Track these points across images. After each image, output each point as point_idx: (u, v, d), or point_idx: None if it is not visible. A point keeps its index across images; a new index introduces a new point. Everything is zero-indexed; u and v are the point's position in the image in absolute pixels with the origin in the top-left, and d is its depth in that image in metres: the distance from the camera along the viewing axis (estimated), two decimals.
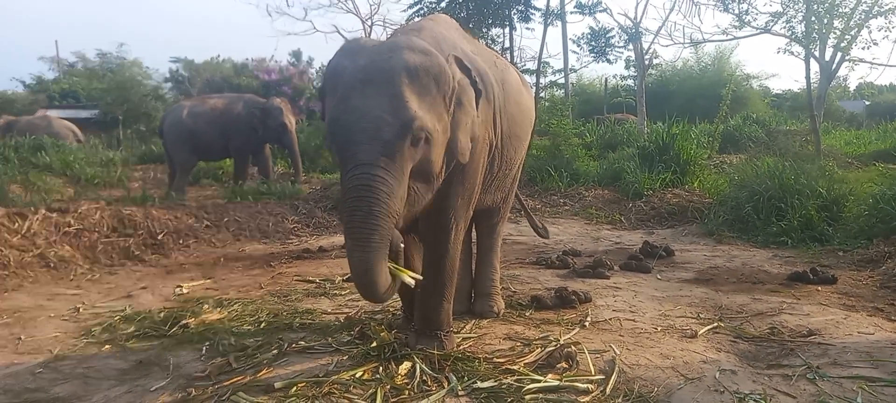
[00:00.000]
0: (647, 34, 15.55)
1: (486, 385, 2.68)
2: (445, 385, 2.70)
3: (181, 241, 6.27)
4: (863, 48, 11.52)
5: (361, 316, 3.82)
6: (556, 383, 2.71)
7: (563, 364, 2.91)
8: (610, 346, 3.20)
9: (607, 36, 17.77)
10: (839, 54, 11.37)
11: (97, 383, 2.87)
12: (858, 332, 3.44)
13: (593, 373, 2.84)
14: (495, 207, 3.86)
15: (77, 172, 10.71)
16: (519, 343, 3.26)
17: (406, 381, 2.73)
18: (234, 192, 8.83)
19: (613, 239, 6.75)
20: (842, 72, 13.48)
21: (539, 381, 2.71)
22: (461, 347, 3.20)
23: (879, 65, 14.23)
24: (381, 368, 2.86)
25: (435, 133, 2.54)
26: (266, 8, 31.17)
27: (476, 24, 16.43)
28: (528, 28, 20.01)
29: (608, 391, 2.66)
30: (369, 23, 17.99)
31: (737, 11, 12.32)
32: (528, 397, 2.59)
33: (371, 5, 21.39)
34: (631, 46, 16.33)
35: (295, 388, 2.67)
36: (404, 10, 17.66)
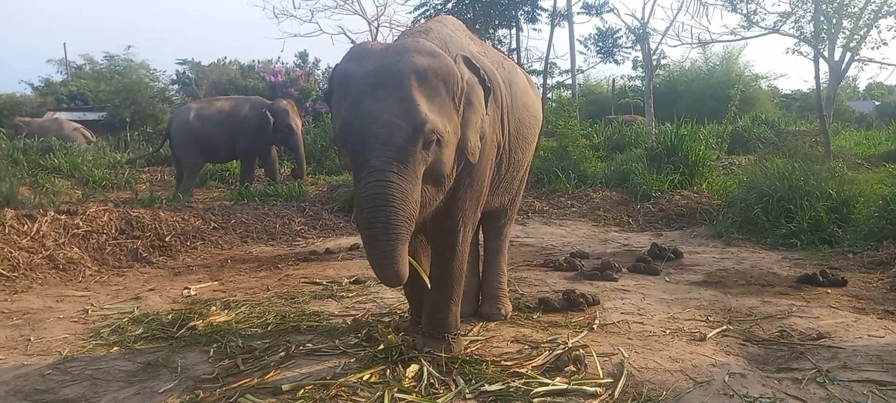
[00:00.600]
0: (654, 34, 15.52)
1: (493, 388, 2.67)
2: (453, 387, 2.69)
3: (188, 243, 6.28)
4: (872, 48, 11.49)
5: (368, 318, 3.82)
6: (565, 386, 2.69)
7: (572, 368, 2.90)
8: (618, 349, 3.18)
9: (614, 36, 17.70)
10: (848, 54, 11.32)
11: (106, 384, 2.88)
12: (869, 335, 3.41)
13: (602, 377, 2.82)
14: (503, 209, 3.85)
15: (85, 174, 10.77)
16: (527, 346, 3.25)
17: (413, 384, 2.72)
18: (241, 194, 8.86)
19: (621, 241, 6.73)
20: (851, 72, 13.47)
21: (547, 384, 2.70)
22: (469, 350, 3.19)
23: (889, 65, 14.27)
24: (388, 371, 2.85)
25: (446, 134, 2.54)
26: (272, 10, 31.31)
27: (482, 25, 16.39)
28: (534, 29, 20.19)
29: (617, 394, 2.65)
30: (376, 24, 17.98)
31: (745, 11, 12.28)
32: (536, 400, 2.58)
33: (377, 7, 21.48)
34: (638, 47, 16.27)
35: (302, 391, 2.67)
36: (410, 12, 17.67)
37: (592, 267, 5.12)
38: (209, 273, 5.36)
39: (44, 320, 3.93)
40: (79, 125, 15.29)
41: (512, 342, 3.35)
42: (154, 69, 22.40)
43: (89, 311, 4.12)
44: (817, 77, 11.55)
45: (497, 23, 17.10)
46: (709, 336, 3.40)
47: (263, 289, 4.71)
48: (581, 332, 3.48)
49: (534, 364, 2.94)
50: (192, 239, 6.36)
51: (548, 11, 17.05)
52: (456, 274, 3.07)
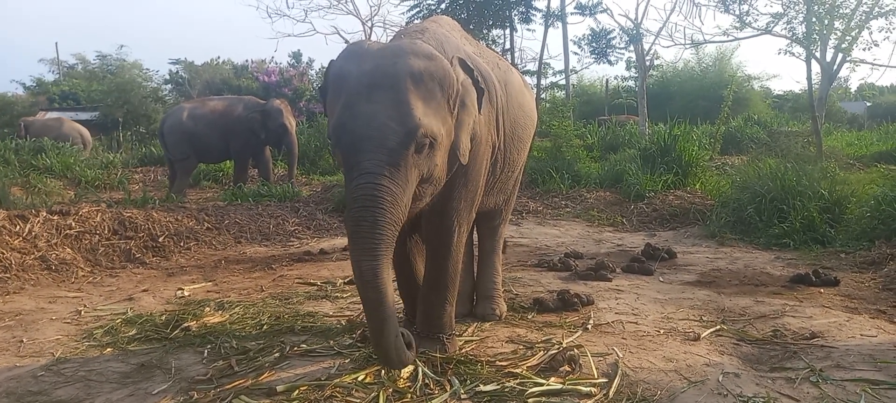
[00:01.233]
0: (647, 35, 15.58)
1: (488, 388, 2.67)
2: (448, 388, 2.69)
3: (182, 244, 6.26)
4: (864, 49, 11.55)
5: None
6: (559, 386, 2.70)
7: (566, 368, 2.91)
8: (613, 349, 3.19)
9: (608, 37, 17.78)
10: (840, 55, 11.37)
11: (99, 386, 2.87)
12: (861, 334, 3.43)
13: (596, 377, 2.83)
14: (497, 209, 3.86)
15: (77, 174, 10.73)
16: (521, 346, 3.25)
17: (408, 384, 2.72)
18: (235, 194, 8.83)
19: (615, 242, 6.75)
20: (843, 73, 13.53)
21: (542, 384, 2.70)
22: (463, 350, 3.19)
23: (880, 66, 14.31)
24: (383, 371, 2.84)
25: (439, 137, 2.54)
26: (266, 9, 31.20)
27: (477, 25, 16.42)
28: (528, 29, 20.05)
29: (611, 394, 2.65)
30: (369, 24, 17.99)
31: (738, 12, 12.31)
32: (530, 400, 2.58)
33: (371, 7, 21.45)
34: (632, 47, 16.34)
35: (297, 391, 2.66)
36: (404, 13, 17.66)
37: (587, 268, 5.13)
38: (203, 273, 5.34)
39: (36, 321, 3.90)
40: (79, 126, 15.27)
41: (507, 342, 3.35)
42: (147, 69, 22.39)
43: (82, 312, 4.10)
44: (809, 78, 11.61)
45: (491, 23, 17.14)
46: (703, 335, 3.41)
47: (257, 290, 4.69)
48: (576, 332, 3.48)
49: (529, 365, 2.94)
50: (186, 240, 6.34)
51: (542, 12, 17.12)
52: (451, 274, 3.07)
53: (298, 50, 27.07)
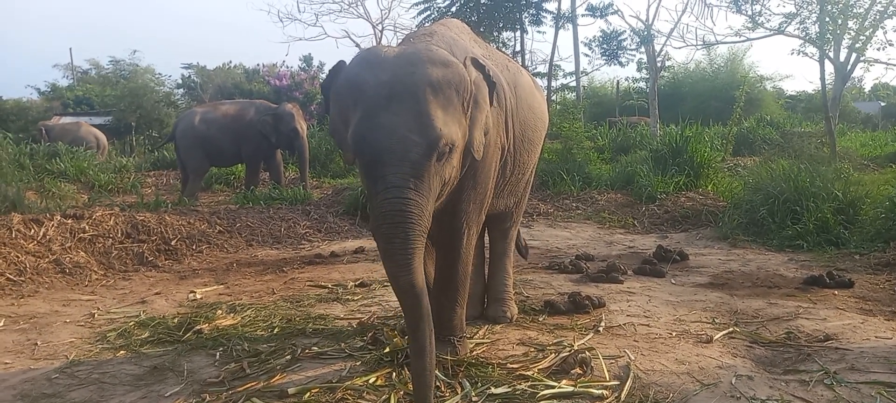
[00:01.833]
0: (659, 36, 15.51)
1: (499, 390, 2.67)
2: (459, 391, 2.69)
3: (194, 247, 6.29)
4: (878, 49, 11.45)
5: (374, 321, 3.81)
6: (571, 389, 2.69)
7: (578, 370, 2.90)
8: (624, 352, 3.18)
9: (619, 38, 17.76)
10: (854, 55, 11.25)
11: (112, 388, 2.89)
12: (876, 337, 3.40)
13: (608, 379, 2.82)
14: (508, 212, 3.85)
15: (91, 178, 10.82)
16: (532, 349, 3.24)
17: None
18: (246, 198, 8.87)
19: (627, 244, 6.72)
20: (857, 73, 13.41)
21: (553, 387, 2.70)
22: (474, 352, 3.19)
23: (895, 65, 14.10)
24: (394, 374, 2.85)
25: (458, 142, 2.56)
26: (277, 13, 31.39)
27: (487, 27, 16.43)
28: (539, 31, 20.16)
29: (623, 397, 2.64)
30: (380, 28, 18.07)
31: (750, 13, 12.22)
32: None
33: (382, 10, 21.54)
34: (643, 49, 16.28)
35: (308, 394, 2.67)
36: (414, 18, 17.71)
37: (598, 270, 5.11)
38: (215, 276, 5.37)
39: (50, 324, 3.94)
40: (96, 130, 15.47)
41: (518, 344, 3.35)
42: (159, 73, 22.62)
43: (96, 315, 4.14)
44: (823, 78, 11.51)
45: (501, 25, 17.16)
46: (715, 338, 3.39)
47: (269, 293, 4.71)
48: (587, 335, 3.47)
49: (540, 367, 2.94)
50: (198, 243, 6.38)
51: (552, 14, 17.11)
52: (461, 276, 3.07)
53: (309, 54, 27.23)
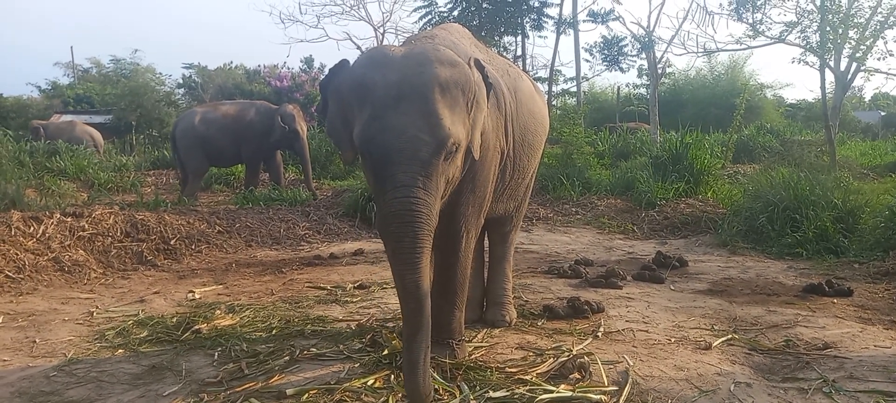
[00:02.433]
0: (659, 43, 15.56)
1: (498, 394, 2.66)
2: (457, 394, 2.68)
3: (193, 247, 6.29)
4: (878, 58, 11.45)
5: (373, 323, 3.81)
6: (569, 393, 2.69)
7: (576, 375, 2.89)
8: (623, 357, 3.18)
9: (620, 44, 17.77)
10: (854, 64, 11.28)
11: (110, 387, 2.89)
12: (875, 345, 3.40)
13: (606, 384, 2.82)
14: (508, 216, 3.85)
15: (91, 177, 10.82)
16: (531, 353, 3.24)
17: None
18: (246, 198, 8.87)
19: (626, 249, 6.72)
20: (857, 82, 13.42)
21: (552, 391, 2.69)
22: (473, 356, 3.18)
23: (895, 75, 14.10)
24: (392, 376, 2.85)
25: (464, 142, 2.58)
26: (279, 15, 31.42)
27: (488, 32, 16.44)
28: (540, 36, 20.10)
29: (622, 402, 2.64)
30: (381, 30, 18.09)
31: (751, 21, 12.26)
32: None
33: (383, 13, 21.57)
34: (643, 55, 16.30)
35: (306, 395, 2.67)
36: (415, 22, 17.72)
37: (597, 275, 5.11)
38: (213, 276, 5.37)
39: (49, 322, 3.93)
40: (91, 129, 15.45)
41: (516, 348, 3.35)
42: (160, 73, 22.65)
43: (94, 313, 4.13)
44: (823, 87, 11.53)
45: (503, 30, 17.15)
46: (714, 344, 3.39)
47: (268, 293, 4.71)
48: (586, 340, 3.47)
49: (538, 371, 2.94)
50: (197, 243, 6.37)
51: (553, 19, 17.11)
52: (459, 279, 3.07)
53: (310, 55, 27.32)
